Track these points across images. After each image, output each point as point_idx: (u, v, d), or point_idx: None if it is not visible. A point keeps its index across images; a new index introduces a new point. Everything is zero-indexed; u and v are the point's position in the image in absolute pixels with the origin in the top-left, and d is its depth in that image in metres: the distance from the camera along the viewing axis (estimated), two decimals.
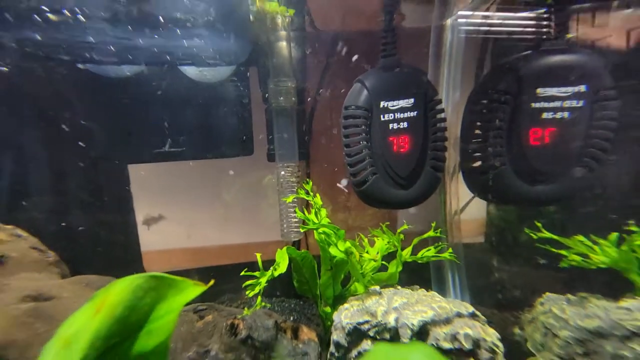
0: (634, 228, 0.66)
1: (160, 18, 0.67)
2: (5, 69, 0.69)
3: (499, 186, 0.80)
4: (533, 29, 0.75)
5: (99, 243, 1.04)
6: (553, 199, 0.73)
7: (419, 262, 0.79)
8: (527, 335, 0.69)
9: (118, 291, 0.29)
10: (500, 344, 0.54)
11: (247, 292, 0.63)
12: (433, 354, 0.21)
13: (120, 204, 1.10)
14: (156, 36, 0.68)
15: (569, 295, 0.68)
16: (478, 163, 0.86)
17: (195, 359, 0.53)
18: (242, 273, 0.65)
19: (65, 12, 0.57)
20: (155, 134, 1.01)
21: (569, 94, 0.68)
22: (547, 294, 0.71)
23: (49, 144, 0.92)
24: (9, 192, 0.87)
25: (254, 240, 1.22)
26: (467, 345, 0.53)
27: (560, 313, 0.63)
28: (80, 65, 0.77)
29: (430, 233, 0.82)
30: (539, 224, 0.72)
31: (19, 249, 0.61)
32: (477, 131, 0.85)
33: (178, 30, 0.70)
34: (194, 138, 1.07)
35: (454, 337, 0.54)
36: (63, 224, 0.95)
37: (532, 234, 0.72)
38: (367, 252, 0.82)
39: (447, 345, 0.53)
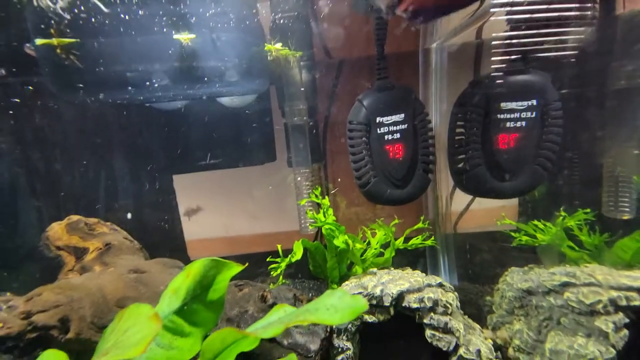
0: (563, 213, 0.81)
1: (203, 66, 0.91)
2: (95, 105, 0.98)
3: (477, 183, 0.96)
4: (501, 51, 0.90)
5: (156, 234, 1.33)
6: (518, 192, 0.88)
7: (409, 248, 0.98)
8: (493, 300, 0.86)
9: (196, 266, 0.51)
10: (453, 302, 0.73)
11: (271, 273, 0.85)
12: (344, 294, 0.38)
13: (169, 202, 1.39)
14: (200, 78, 0.93)
15: (525, 268, 0.85)
16: (461, 164, 1.02)
17: (238, 315, 0.77)
18: (268, 259, 0.88)
19: (141, 68, 0.83)
20: (198, 149, 1.27)
21: (524, 106, 0.83)
22: (511, 268, 0.87)
23: (126, 160, 1.22)
24: (104, 198, 1.19)
25: (279, 230, 1.46)
26: (429, 304, 0.71)
27: (510, 280, 0.80)
28: (147, 104, 1.05)
29: (420, 225, 1.00)
30: (503, 214, 0.88)
31: (117, 239, 0.88)
32: (459, 137, 1.01)
33: (216, 73, 0.93)
34: (228, 151, 1.32)
35: (420, 300, 0.73)
36: (130, 218, 1.25)
37: (497, 222, 0.88)
38: (367, 243, 1.02)
39: (415, 305, 0.72)
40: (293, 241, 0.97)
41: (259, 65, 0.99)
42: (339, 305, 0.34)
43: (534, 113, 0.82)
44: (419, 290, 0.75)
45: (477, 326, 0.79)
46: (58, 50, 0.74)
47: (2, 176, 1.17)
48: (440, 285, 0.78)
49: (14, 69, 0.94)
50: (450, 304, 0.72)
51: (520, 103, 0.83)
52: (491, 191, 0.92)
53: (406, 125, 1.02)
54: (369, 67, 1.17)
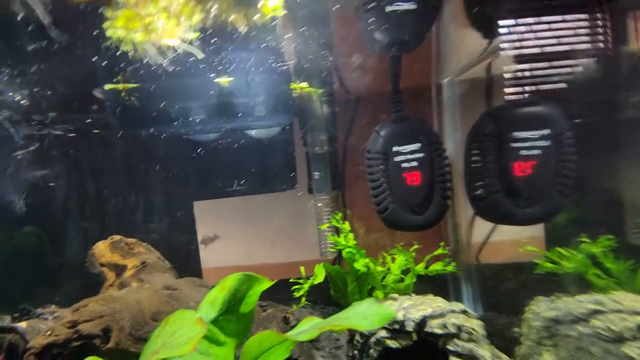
0: (585, 239, 0.80)
1: (235, 104, 1.02)
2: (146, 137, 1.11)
3: (495, 209, 0.97)
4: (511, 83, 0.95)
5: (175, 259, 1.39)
6: (536, 218, 0.89)
7: (430, 274, 0.98)
8: (521, 331, 0.83)
9: (230, 280, 0.56)
10: (478, 328, 0.71)
11: (294, 294, 0.88)
12: (373, 302, 0.41)
13: (188, 229, 1.46)
14: (231, 116, 1.03)
15: (552, 296, 0.82)
16: (479, 191, 1.03)
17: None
18: (291, 280, 0.91)
19: (187, 106, 0.95)
20: (227, 176, 1.37)
21: (537, 136, 0.86)
22: (538, 297, 0.84)
23: (160, 186, 1.33)
24: (140, 220, 1.29)
25: (297, 259, 1.48)
26: (452, 330, 0.70)
27: (536, 309, 0.78)
28: (184, 136, 1.17)
29: (440, 250, 1.00)
30: (525, 241, 0.88)
31: (152, 258, 0.95)
32: (475, 165, 1.04)
33: (248, 109, 1.04)
34: (253, 178, 1.40)
35: (444, 325, 0.72)
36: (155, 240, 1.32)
37: (520, 249, 0.88)
38: (387, 268, 1.02)
39: (438, 330, 0.72)
40: (312, 269, 0.99)
41: (285, 101, 1.10)
42: (367, 313, 0.36)
43: (548, 142, 0.85)
44: (442, 315, 0.74)
45: (505, 357, 0.76)
46: (122, 94, 0.87)
47: (57, 199, 1.30)
48: (464, 311, 0.77)
49: (79, 109, 1.10)
50: (475, 331, 0.71)
51: (533, 132, 0.86)
52: (509, 217, 0.93)
53: (422, 153, 1.06)
54: (383, 103, 1.25)
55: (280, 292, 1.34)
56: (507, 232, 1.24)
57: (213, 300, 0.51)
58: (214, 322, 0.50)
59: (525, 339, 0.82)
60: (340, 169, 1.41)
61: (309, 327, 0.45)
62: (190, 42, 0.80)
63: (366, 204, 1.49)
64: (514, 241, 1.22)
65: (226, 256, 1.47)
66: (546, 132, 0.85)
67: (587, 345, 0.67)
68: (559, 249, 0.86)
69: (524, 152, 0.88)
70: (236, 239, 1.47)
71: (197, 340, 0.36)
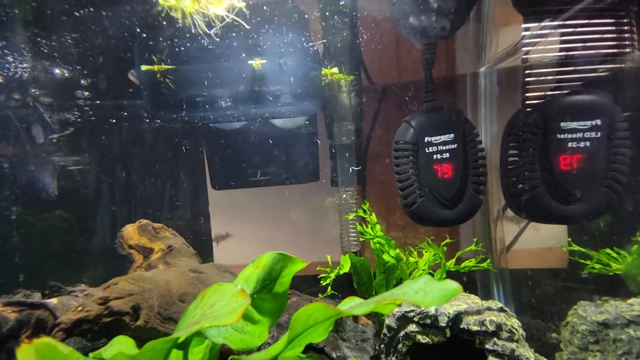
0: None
1: (263, 92, 1.00)
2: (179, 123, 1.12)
3: (536, 205, 0.91)
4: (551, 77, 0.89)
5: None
6: (584, 216, 0.82)
7: (461, 271, 0.93)
8: (561, 337, 0.77)
9: (265, 259, 0.54)
10: (519, 328, 0.66)
11: (321, 282, 0.85)
12: (431, 278, 0.38)
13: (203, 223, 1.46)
14: (258, 103, 1.02)
15: (597, 300, 0.76)
16: (518, 186, 0.97)
17: (287, 321, 0.77)
18: (318, 268, 0.89)
19: (219, 91, 0.94)
20: (251, 166, 1.36)
21: (588, 126, 0.80)
22: (581, 301, 0.78)
23: (186, 174, 1.35)
24: (166, 206, 1.30)
25: (318, 260, 1.45)
26: (491, 328, 0.66)
27: (582, 313, 0.71)
28: (211, 124, 1.16)
29: (472, 247, 0.96)
30: (568, 239, 0.82)
31: (178, 243, 0.95)
32: (514, 159, 0.98)
33: (273, 98, 1.02)
34: (276, 169, 1.39)
35: (481, 322, 0.68)
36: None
37: (563, 247, 0.82)
38: (415, 262, 0.98)
39: (475, 328, 0.67)
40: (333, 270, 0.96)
41: (313, 89, 1.07)
42: (427, 289, 0.33)
43: (599, 133, 0.79)
44: (479, 312, 0.70)
45: None
46: (158, 76, 0.87)
47: (88, 184, 1.33)
48: (502, 309, 0.72)
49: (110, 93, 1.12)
50: (516, 330, 0.66)
51: (583, 123, 0.80)
52: (553, 215, 0.87)
53: (456, 145, 1.01)
54: (412, 93, 1.21)
55: (302, 290, 1.33)
56: (540, 239, 1.18)
57: (247, 278, 0.49)
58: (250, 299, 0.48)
59: (567, 344, 0.77)
60: (363, 161, 1.38)
61: (358, 303, 0.43)
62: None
63: (388, 199, 1.46)
64: (547, 249, 1.16)
65: (244, 249, 1.47)
66: (597, 122, 0.79)
67: (639, 350, 0.61)
68: (608, 250, 0.79)
69: (570, 145, 0.83)
70: (254, 237, 1.47)
71: (241, 311, 0.35)
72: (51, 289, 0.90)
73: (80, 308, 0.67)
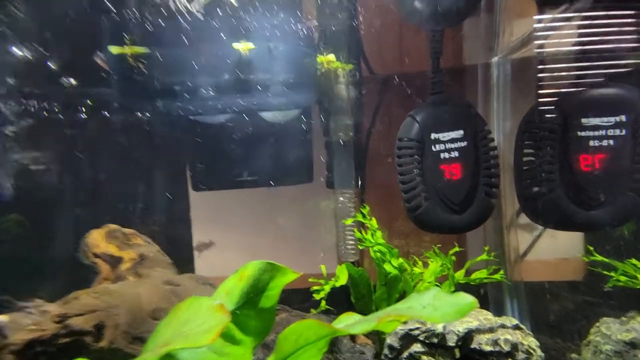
0: None
1: (250, 81, 0.98)
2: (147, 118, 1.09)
3: (553, 211, 0.91)
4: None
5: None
6: (607, 222, 0.82)
7: (472, 283, 0.92)
8: (582, 358, 0.77)
9: (250, 269, 0.52)
10: (537, 348, 0.65)
11: (314, 295, 0.83)
12: (440, 290, 0.36)
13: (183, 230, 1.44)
14: (245, 93, 1.00)
15: (622, 317, 0.75)
16: (534, 188, 0.97)
17: (274, 340, 0.75)
18: (310, 280, 0.87)
19: (200, 79, 0.91)
20: (236, 165, 1.33)
21: (611, 123, 0.80)
22: (604, 317, 0.78)
23: (164, 173, 1.31)
24: (139, 209, 1.27)
25: (312, 272, 1.44)
26: (506, 348, 0.65)
27: (606, 331, 0.71)
28: (191, 117, 1.14)
29: (484, 256, 0.95)
30: (591, 248, 0.82)
31: (152, 251, 0.92)
32: (529, 159, 0.98)
33: (262, 87, 1.00)
34: (265, 168, 1.36)
35: (495, 342, 0.67)
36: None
37: (584, 257, 0.81)
38: (420, 273, 0.97)
39: (488, 348, 0.66)
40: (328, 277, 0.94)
41: (307, 79, 1.06)
42: (437, 304, 0.32)
43: (624, 130, 0.79)
44: (492, 330, 0.69)
45: None
46: (129, 59, 0.84)
47: (48, 183, 1.29)
48: (518, 327, 0.71)
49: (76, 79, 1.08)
50: (534, 350, 0.65)
51: (606, 119, 0.80)
52: (572, 221, 0.87)
53: (466, 142, 1.01)
54: (417, 84, 1.21)
55: (292, 304, 1.31)
56: (557, 249, 1.18)
57: (229, 291, 0.47)
58: (231, 316, 0.46)
59: None
60: (361, 160, 1.37)
61: (356, 320, 0.41)
62: None
63: (390, 203, 1.45)
64: (565, 259, 1.15)
65: (229, 255, 1.44)
66: (622, 119, 0.79)
67: None
68: (634, 261, 0.79)
69: (592, 143, 0.83)
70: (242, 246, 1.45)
71: (219, 330, 0.33)
72: (0, 304, 0.87)
73: (34, 327, 0.65)
